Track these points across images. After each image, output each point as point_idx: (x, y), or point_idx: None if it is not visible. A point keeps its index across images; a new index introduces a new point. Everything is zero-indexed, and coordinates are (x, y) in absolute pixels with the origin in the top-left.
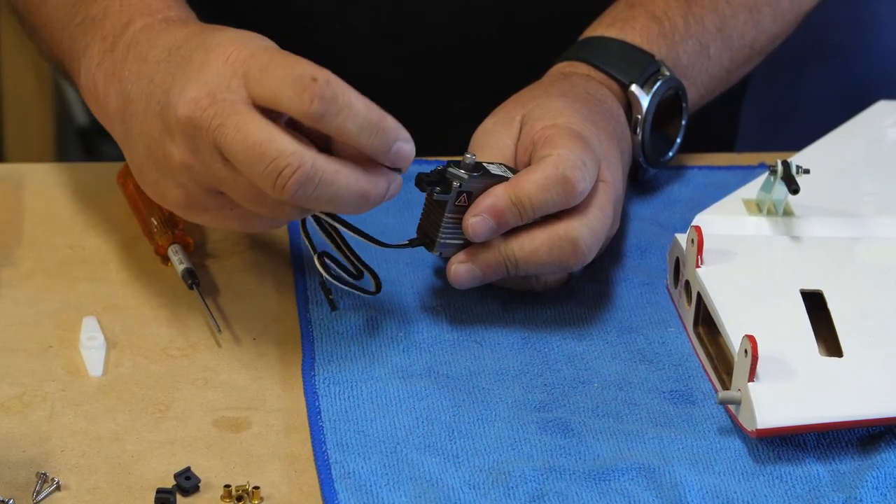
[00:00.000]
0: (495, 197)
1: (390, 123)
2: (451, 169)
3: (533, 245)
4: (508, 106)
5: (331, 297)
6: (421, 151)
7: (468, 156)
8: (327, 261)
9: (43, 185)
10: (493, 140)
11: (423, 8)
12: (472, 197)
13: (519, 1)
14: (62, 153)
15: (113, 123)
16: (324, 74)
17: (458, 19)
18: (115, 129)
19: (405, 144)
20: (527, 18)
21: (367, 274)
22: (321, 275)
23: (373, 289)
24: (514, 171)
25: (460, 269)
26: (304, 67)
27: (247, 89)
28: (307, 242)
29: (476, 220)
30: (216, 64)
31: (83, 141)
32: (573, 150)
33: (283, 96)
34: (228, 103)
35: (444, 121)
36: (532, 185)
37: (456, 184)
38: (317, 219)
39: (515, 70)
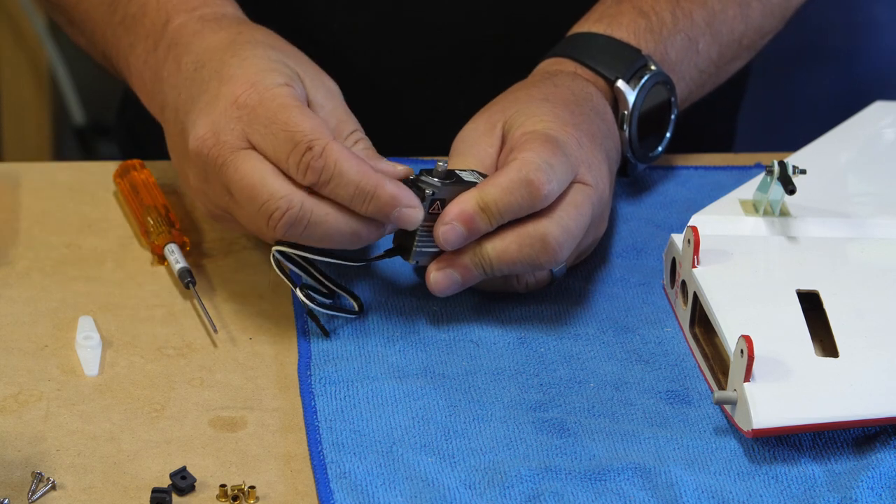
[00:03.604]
0: (463, 203)
1: (388, 192)
2: (423, 177)
3: (504, 244)
4: (490, 111)
5: (321, 324)
6: (419, 151)
7: (440, 163)
8: (309, 291)
9: (40, 183)
10: (474, 148)
11: (423, 6)
12: (445, 204)
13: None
14: (59, 152)
15: (160, 120)
16: (319, 144)
17: (459, 18)
18: (163, 125)
19: (408, 210)
20: (528, 17)
21: (347, 296)
22: (307, 305)
23: (356, 309)
24: (486, 177)
25: (438, 275)
26: (304, 133)
27: (249, 139)
28: (284, 278)
29: (446, 229)
30: (224, 102)
31: (80, 140)
32: (539, 153)
33: (282, 161)
34: (229, 146)
35: (443, 119)
36: (497, 188)
37: (429, 191)
38: (286, 255)
39: (516, 69)
